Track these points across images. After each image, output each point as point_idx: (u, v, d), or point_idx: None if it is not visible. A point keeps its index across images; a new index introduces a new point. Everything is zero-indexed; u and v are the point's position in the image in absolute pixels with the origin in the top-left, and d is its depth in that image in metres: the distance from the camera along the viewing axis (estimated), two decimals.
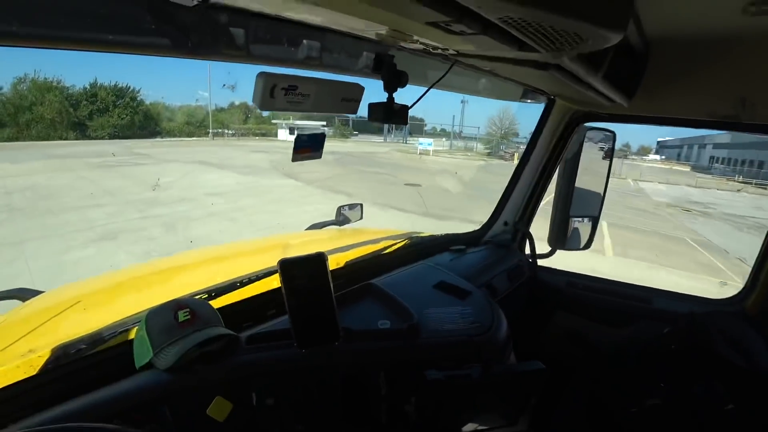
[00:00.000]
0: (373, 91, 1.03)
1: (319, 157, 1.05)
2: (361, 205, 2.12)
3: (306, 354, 0.89)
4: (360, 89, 0.94)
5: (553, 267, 1.89)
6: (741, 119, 1.22)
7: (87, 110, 32.06)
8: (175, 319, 0.83)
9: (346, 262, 1.39)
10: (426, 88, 1.09)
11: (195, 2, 0.54)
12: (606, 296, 1.73)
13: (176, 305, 0.85)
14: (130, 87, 34.70)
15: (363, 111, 1.03)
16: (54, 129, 29.96)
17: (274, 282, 1.12)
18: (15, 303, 1.39)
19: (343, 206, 2.06)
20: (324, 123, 32.26)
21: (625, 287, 1.74)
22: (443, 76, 1.02)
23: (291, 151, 1.01)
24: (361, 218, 2.12)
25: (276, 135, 36.78)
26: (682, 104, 1.33)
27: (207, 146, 27.58)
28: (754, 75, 1.15)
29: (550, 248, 1.84)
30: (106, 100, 32.88)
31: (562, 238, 1.76)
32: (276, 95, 0.78)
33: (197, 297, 1.03)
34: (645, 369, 1.57)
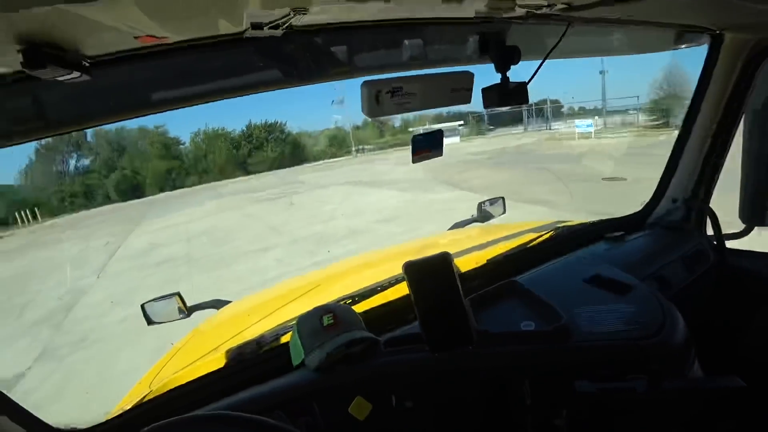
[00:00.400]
0: (488, 76, 0.97)
1: (440, 155, 1.03)
2: (503, 198, 2.03)
3: (442, 358, 0.86)
4: (470, 76, 0.90)
5: (750, 249, 1.47)
6: None
7: (246, 149, 36.12)
8: (320, 323, 0.90)
9: (488, 259, 1.33)
10: (541, 60, 0.98)
11: (282, 31, 0.59)
12: None
13: (322, 311, 0.93)
14: (277, 122, 37.76)
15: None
16: (223, 171, 33.96)
17: None
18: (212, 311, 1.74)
19: (483, 202, 2.00)
20: (461, 123, 31.60)
21: None
22: (560, 41, 0.90)
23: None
24: (504, 212, 2.02)
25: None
26: None
27: (353, 164, 26.89)
28: None
29: (744, 225, 1.44)
30: (260, 137, 36.43)
31: (760, 211, 1.36)
32: (382, 101, 0.80)
33: (342, 302, 1.11)
34: None
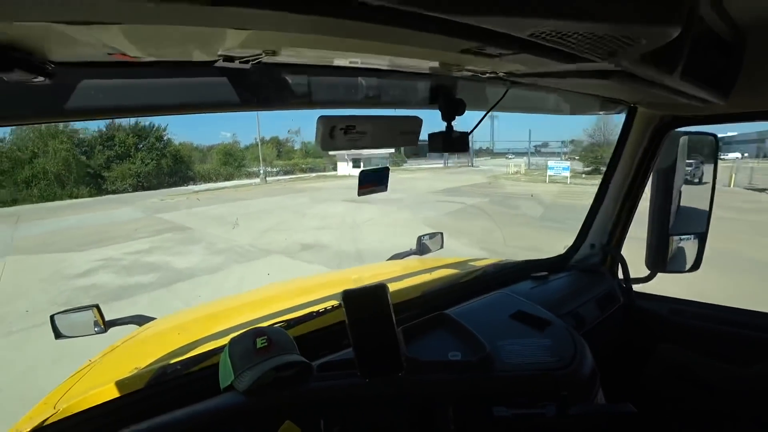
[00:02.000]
0: (435, 120, 1.04)
1: (385, 190, 1.08)
2: (442, 234, 2.11)
3: (372, 384, 0.89)
4: (418, 122, 0.97)
5: (653, 293, 1.68)
6: None
7: (103, 157, 26.03)
8: (253, 345, 0.89)
9: (423, 291, 1.38)
10: (484, 113, 1.08)
11: (250, 65, 0.62)
12: (724, 326, 1.47)
13: (255, 333, 0.92)
14: (153, 125, 27.96)
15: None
16: (61, 185, 23.96)
17: None
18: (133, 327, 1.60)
19: (423, 235, 2.06)
20: (392, 151, 31.66)
21: (749, 315, 1.47)
22: (500, 100, 1.01)
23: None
24: (442, 247, 2.10)
25: (331, 170, 32.35)
26: None
27: (270, 194, 20.18)
28: None
29: (648, 271, 1.65)
30: (125, 142, 26.73)
31: (662, 259, 1.57)
32: (336, 136, 0.84)
33: (277, 326, 1.10)
34: None
